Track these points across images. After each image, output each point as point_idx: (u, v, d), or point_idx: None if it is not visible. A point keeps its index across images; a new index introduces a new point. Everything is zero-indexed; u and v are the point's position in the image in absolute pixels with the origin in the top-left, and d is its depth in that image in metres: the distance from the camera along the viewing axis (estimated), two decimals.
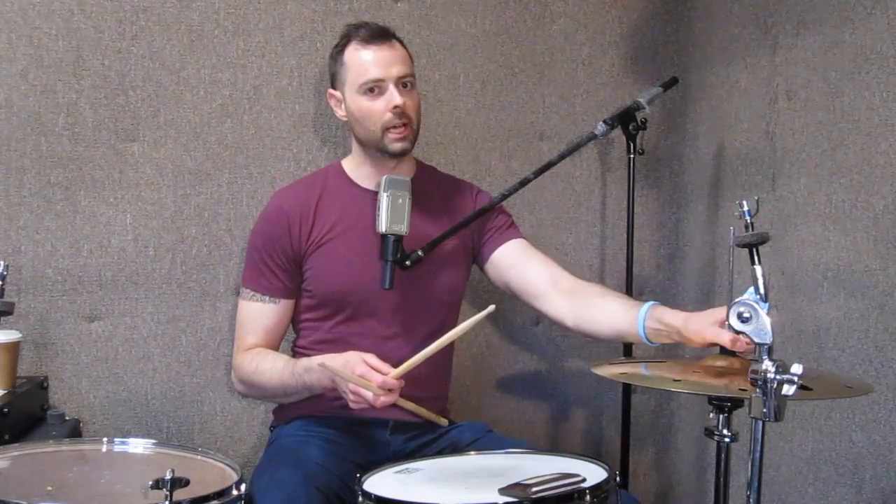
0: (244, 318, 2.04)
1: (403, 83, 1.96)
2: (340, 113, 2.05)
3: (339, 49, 2.00)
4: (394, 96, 1.93)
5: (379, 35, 1.97)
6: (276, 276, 2.00)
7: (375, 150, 2.00)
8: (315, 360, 1.87)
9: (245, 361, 2.00)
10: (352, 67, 1.97)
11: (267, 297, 2.01)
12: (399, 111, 1.93)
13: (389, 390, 1.72)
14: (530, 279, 2.05)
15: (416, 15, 2.45)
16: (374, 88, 1.94)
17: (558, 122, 2.63)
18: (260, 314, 2.02)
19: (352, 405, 1.77)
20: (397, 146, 1.97)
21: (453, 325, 2.12)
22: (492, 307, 1.69)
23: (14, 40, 2.11)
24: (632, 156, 2.40)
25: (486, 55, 2.55)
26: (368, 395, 1.71)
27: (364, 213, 2.00)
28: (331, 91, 2.06)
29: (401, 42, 2.02)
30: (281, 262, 2.00)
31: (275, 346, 2.05)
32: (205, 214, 2.28)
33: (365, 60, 1.95)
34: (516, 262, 2.07)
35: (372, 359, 1.75)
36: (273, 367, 1.95)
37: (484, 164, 2.56)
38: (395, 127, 1.95)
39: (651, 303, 1.86)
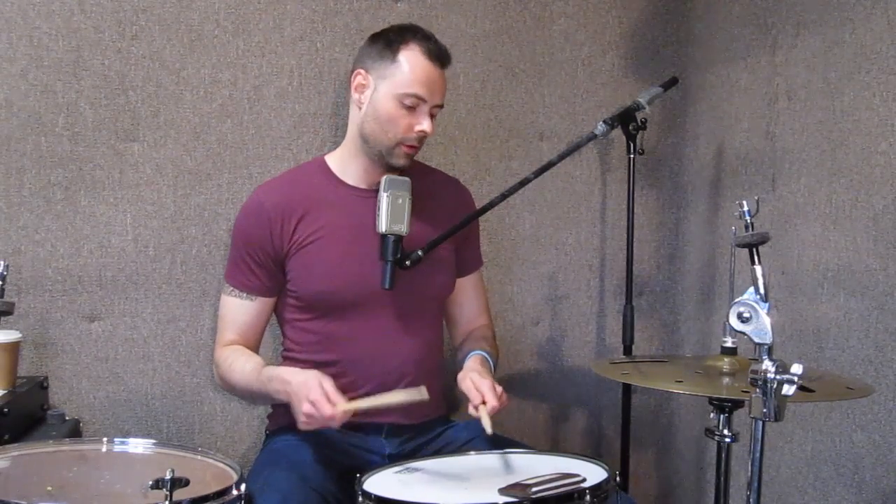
0: (224, 314, 2.04)
1: (433, 112, 1.97)
2: (358, 97, 1.98)
3: (398, 43, 1.94)
4: (425, 122, 1.93)
5: (443, 56, 1.96)
6: (255, 274, 1.99)
7: (376, 153, 1.98)
8: (278, 371, 1.86)
9: (222, 358, 2.00)
10: (404, 71, 1.92)
11: (244, 294, 2.00)
12: (423, 135, 1.95)
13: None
14: (459, 311, 2.21)
15: (416, 15, 2.45)
16: (412, 103, 1.92)
17: (558, 122, 2.63)
18: (238, 310, 2.01)
19: (301, 425, 1.76)
20: (401, 161, 1.97)
21: (440, 322, 2.16)
22: (422, 393, 1.77)
23: (14, 40, 2.11)
24: (632, 156, 2.40)
25: (486, 55, 2.55)
26: (327, 410, 1.70)
27: (353, 211, 2.00)
28: (361, 71, 1.97)
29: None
30: (260, 261, 1.98)
31: (253, 343, 2.04)
32: (205, 214, 2.28)
33: (421, 73, 1.92)
34: (460, 294, 2.18)
35: (328, 384, 1.73)
36: (244, 369, 1.94)
37: (484, 164, 2.56)
38: (409, 146, 1.96)
39: (474, 352, 2.01)
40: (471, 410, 1.82)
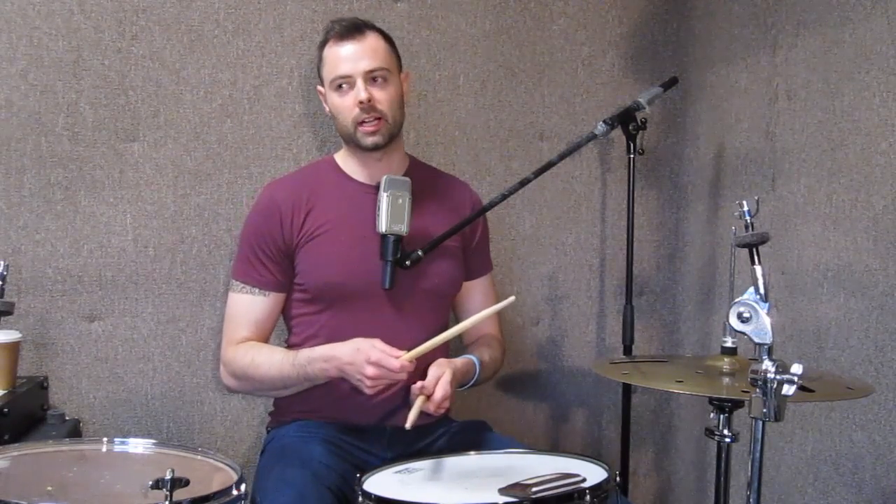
0: (234, 311, 2.03)
1: (373, 77, 1.96)
2: (326, 108, 2.07)
3: (320, 46, 2.03)
4: (359, 91, 1.94)
5: (350, 30, 1.98)
6: (267, 269, 2.00)
7: (353, 145, 2.02)
8: (318, 351, 1.88)
9: (238, 355, 1.99)
10: (326, 64, 2.00)
11: (257, 290, 2.01)
12: (365, 106, 1.94)
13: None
14: (466, 317, 2.17)
15: (416, 15, 2.45)
16: (342, 84, 1.97)
17: (558, 122, 2.63)
18: (250, 307, 2.01)
19: (368, 391, 1.80)
20: (368, 140, 1.98)
21: (447, 319, 2.15)
22: (511, 298, 1.82)
23: (14, 40, 2.11)
24: (632, 156, 2.40)
25: (486, 55, 2.55)
26: (395, 364, 1.75)
27: (357, 207, 2.01)
28: (318, 87, 2.08)
29: (381, 33, 2.02)
30: (272, 255, 1.99)
31: (265, 340, 2.05)
32: (205, 214, 2.28)
33: (335, 57, 1.98)
34: (468, 298, 2.19)
35: (381, 343, 1.79)
36: (270, 360, 1.94)
37: (484, 164, 2.56)
38: (364, 122, 1.96)
39: (468, 355, 2.04)
40: (413, 389, 1.83)
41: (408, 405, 1.96)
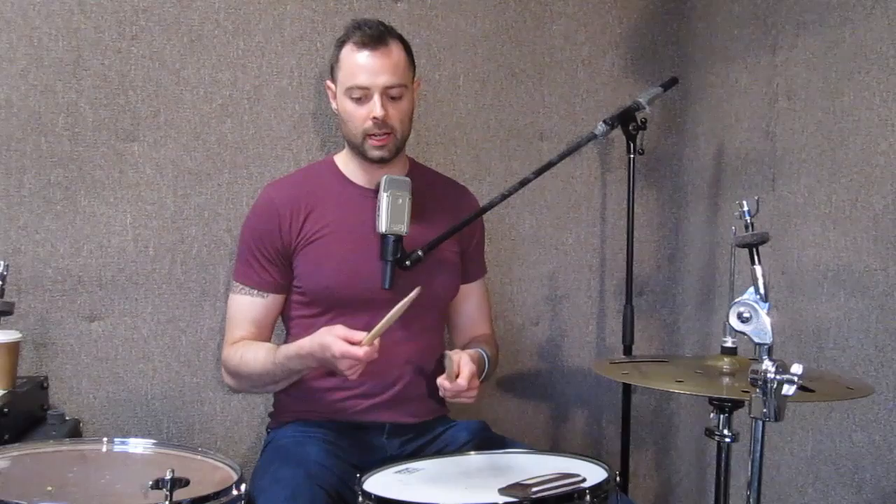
0: (233, 312, 2.05)
1: (390, 94, 1.95)
2: (333, 105, 2.05)
3: (339, 44, 2.00)
4: (375, 107, 1.93)
5: (375, 39, 1.94)
6: (266, 270, 2.00)
7: (355, 151, 2.01)
8: (292, 349, 1.88)
9: (231, 353, 2.01)
10: (343, 68, 1.97)
11: (255, 291, 2.01)
12: (378, 122, 1.93)
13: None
14: (460, 318, 2.20)
15: (416, 15, 2.45)
16: (359, 95, 1.94)
17: (558, 122, 2.63)
18: (248, 308, 2.02)
19: (350, 377, 1.80)
20: (375, 153, 1.97)
21: (444, 323, 2.17)
22: (418, 289, 1.77)
23: (14, 40, 2.11)
24: (632, 156, 2.40)
25: (486, 55, 2.55)
26: (360, 353, 1.74)
27: (357, 210, 2.01)
28: (328, 82, 2.06)
29: (403, 43, 2.00)
30: (270, 257, 2.00)
31: (264, 340, 2.05)
32: (205, 214, 2.28)
33: (355, 65, 1.94)
34: (463, 300, 2.18)
35: (341, 330, 1.77)
36: (256, 357, 1.96)
37: (484, 164, 2.56)
38: (374, 135, 1.95)
39: (475, 348, 2.02)
40: (438, 381, 1.83)
41: (406, 403, 1.98)
